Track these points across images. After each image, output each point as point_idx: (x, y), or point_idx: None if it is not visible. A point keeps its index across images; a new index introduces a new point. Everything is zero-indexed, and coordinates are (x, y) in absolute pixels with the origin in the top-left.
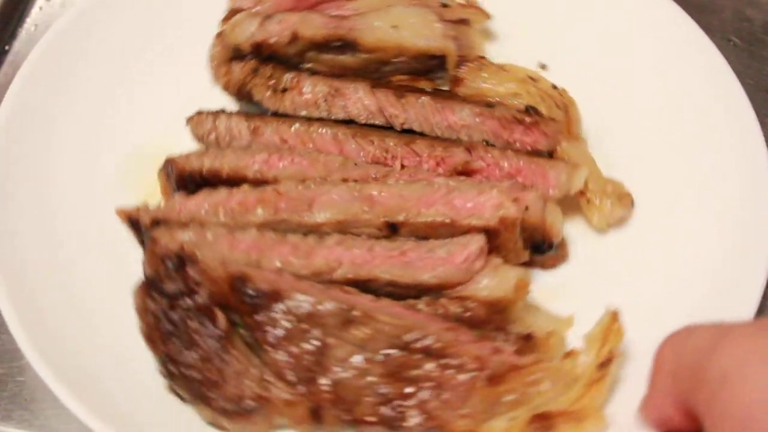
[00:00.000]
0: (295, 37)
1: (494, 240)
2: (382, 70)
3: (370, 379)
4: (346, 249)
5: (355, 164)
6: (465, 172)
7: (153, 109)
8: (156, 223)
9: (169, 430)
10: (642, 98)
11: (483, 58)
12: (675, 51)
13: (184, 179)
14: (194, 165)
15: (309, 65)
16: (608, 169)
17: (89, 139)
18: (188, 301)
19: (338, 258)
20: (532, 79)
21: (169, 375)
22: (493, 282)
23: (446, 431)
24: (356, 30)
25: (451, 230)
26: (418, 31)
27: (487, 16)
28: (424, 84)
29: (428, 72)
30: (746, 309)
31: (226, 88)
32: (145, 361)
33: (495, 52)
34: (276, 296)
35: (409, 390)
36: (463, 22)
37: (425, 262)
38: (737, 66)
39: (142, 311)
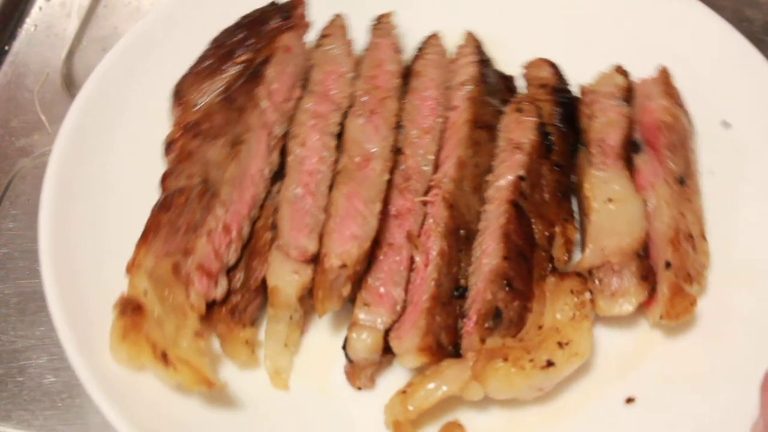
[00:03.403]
0: (590, 117)
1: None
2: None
3: (193, 186)
4: (319, 150)
5: (421, 150)
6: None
7: None
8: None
9: None
10: None
11: (592, 294)
12: None
13: None
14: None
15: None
16: None
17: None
18: (256, 35)
19: (307, 144)
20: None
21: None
22: (278, 272)
23: None
24: (591, 167)
25: (326, 226)
26: (613, 229)
27: (676, 318)
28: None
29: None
30: None
31: (527, 76)
32: None
33: None
34: (260, 79)
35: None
36: (652, 279)
37: (297, 210)
38: None
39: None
